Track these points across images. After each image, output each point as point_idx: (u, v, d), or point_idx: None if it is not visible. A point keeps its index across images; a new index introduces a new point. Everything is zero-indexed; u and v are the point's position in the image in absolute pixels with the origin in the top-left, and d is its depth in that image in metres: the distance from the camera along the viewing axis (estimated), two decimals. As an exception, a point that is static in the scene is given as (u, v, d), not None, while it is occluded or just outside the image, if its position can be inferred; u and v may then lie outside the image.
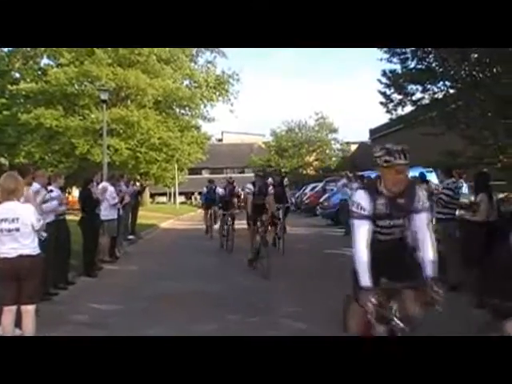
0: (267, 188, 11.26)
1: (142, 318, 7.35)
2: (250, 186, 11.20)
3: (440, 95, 12.64)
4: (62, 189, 10.19)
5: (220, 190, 15.74)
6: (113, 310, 7.96)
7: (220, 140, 67.41)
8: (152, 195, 48.37)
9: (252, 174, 43.92)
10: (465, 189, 11.00)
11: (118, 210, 12.98)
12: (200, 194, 39.99)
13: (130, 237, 16.63)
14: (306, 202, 28.15)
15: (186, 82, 33.99)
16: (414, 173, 12.21)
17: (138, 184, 18.99)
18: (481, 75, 11.53)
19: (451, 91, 12.48)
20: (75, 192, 29.78)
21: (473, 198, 8.49)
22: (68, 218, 9.96)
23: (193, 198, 57.35)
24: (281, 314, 7.41)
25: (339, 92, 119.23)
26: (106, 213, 12.08)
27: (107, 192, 12.04)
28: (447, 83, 12.38)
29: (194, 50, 33.47)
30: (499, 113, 11.10)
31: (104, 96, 20.70)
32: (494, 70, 11.23)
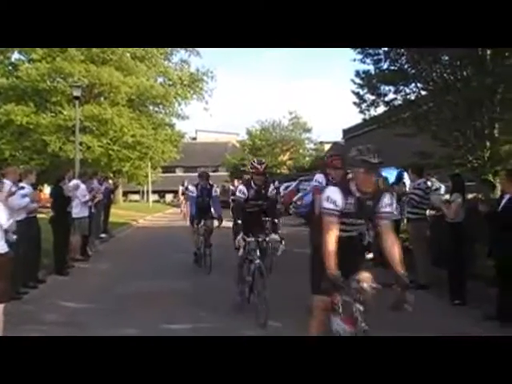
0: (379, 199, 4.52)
1: (114, 317, 7.30)
2: (330, 189, 4.57)
3: (412, 96, 12.82)
4: (34, 186, 10.05)
5: (240, 190, 7.81)
6: (84, 309, 7.90)
7: (194, 138, 67.07)
8: (125, 193, 47.91)
9: (226, 173, 42.06)
10: (442, 189, 11.16)
11: (90, 207, 12.86)
12: (175, 193, 37.07)
13: (102, 235, 16.49)
14: (281, 200, 28.19)
15: (160, 80, 33.81)
16: (386, 173, 12.38)
17: (110, 182, 18.76)
18: (452, 78, 11.72)
19: (423, 93, 12.66)
20: (47, 189, 29.36)
21: (446, 198, 8.64)
22: (39, 215, 9.83)
23: (166, 197, 57.07)
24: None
25: (313, 92, 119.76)
26: (78, 211, 11.95)
27: (79, 190, 11.92)
28: (419, 85, 12.56)
29: (169, 48, 33.28)
30: (469, 115, 11.30)
31: (77, 93, 20.52)
32: (465, 72, 11.42)
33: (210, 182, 11.13)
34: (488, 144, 11.37)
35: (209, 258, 10.74)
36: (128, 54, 29.73)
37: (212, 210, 11.04)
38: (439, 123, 12.15)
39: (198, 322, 7.04)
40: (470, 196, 11.23)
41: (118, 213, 24.47)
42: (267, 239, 7.47)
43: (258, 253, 7.09)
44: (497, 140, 11.29)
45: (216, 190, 11.02)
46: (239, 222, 7.47)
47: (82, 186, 12.29)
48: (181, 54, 34.70)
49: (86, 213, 12.41)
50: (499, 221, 6.97)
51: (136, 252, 14.65)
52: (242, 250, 7.35)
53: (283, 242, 7.42)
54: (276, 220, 8.44)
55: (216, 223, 10.80)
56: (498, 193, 9.29)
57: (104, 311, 7.66)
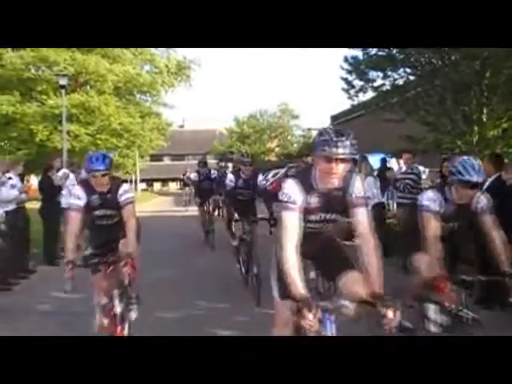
0: None
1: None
2: None
3: (400, 82, 12.84)
4: (21, 176, 9.98)
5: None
6: (75, 299, 7.83)
7: (181, 126, 66.78)
8: (113, 182, 47.65)
9: (214, 161, 42.34)
10: (424, 174, 11.23)
11: (80, 197, 12.74)
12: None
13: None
14: (268, 188, 28.16)
15: (147, 68, 33.56)
16: (375, 158, 12.45)
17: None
18: (440, 62, 11.74)
19: (411, 78, 12.68)
20: (34, 180, 29.13)
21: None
22: (28, 206, 9.76)
23: (154, 185, 56.78)
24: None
25: (302, 78, 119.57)
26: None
27: (68, 179, 11.83)
28: (407, 70, 12.58)
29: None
30: (457, 100, 11.35)
31: (63, 81, 20.43)
32: (453, 57, 11.44)
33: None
34: (476, 129, 11.43)
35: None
36: (114, 42, 29.47)
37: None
38: (427, 108, 12.20)
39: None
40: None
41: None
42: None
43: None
44: (485, 125, 11.35)
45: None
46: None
47: (72, 176, 12.21)
48: (168, 41, 34.40)
49: (75, 202, 12.30)
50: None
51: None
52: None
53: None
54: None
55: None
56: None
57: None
